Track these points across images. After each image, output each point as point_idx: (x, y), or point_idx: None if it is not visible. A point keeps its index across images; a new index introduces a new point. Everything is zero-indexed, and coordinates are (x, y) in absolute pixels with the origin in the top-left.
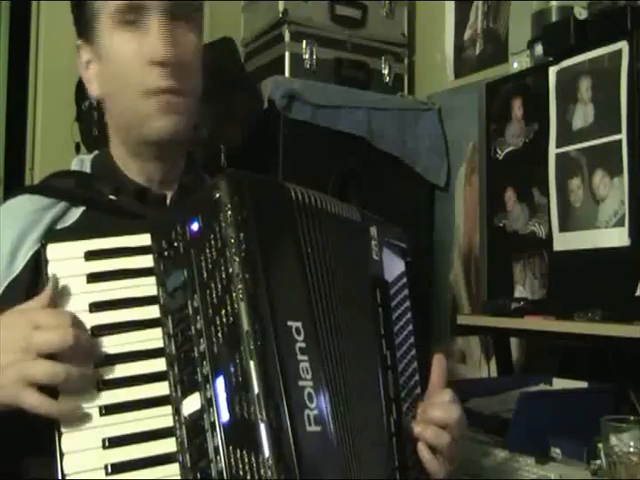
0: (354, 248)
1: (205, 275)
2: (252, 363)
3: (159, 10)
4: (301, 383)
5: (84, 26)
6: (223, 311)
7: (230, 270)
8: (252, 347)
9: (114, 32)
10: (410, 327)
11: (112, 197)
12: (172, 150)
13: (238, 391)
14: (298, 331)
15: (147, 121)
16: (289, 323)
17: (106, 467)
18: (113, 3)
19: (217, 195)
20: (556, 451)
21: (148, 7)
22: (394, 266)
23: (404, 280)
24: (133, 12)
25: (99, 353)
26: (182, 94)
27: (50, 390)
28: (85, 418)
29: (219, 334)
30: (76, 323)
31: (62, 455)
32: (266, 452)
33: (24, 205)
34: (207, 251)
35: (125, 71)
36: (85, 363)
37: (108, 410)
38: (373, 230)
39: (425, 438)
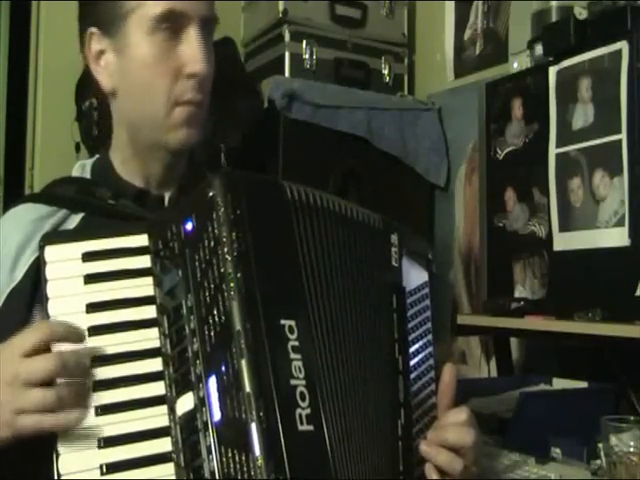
0: (368, 251)
1: (199, 274)
2: (243, 362)
3: (199, 20)
4: (293, 382)
5: (104, 16)
6: (215, 310)
7: (223, 269)
8: (243, 346)
9: (146, 36)
10: (429, 337)
11: (111, 202)
12: (182, 157)
13: (230, 390)
14: (291, 329)
15: (169, 130)
16: (282, 321)
17: (101, 467)
18: (152, 7)
19: (211, 193)
20: (556, 451)
21: (190, 16)
22: (415, 275)
23: (426, 290)
24: (173, 20)
25: (95, 371)
26: (203, 107)
27: None
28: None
29: (212, 333)
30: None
31: (57, 455)
32: (256, 451)
33: (25, 214)
34: (201, 250)
35: (153, 77)
36: (80, 381)
37: (104, 410)
38: (394, 237)
39: (437, 462)
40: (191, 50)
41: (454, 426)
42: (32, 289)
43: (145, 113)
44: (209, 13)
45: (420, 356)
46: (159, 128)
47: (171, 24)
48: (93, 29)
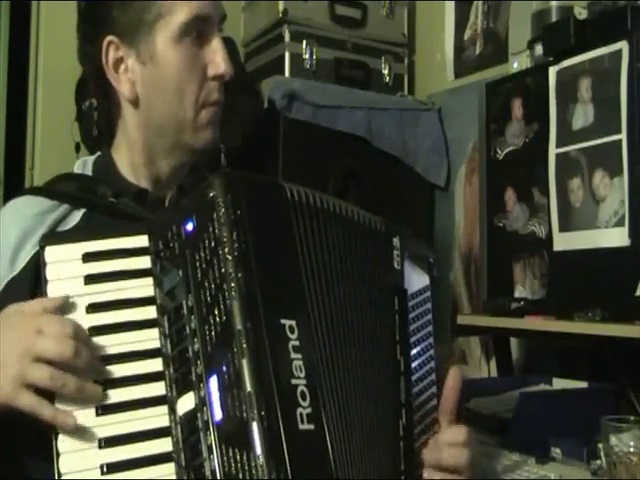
0: (369, 253)
1: (199, 274)
2: (244, 361)
3: (218, 21)
4: (294, 381)
5: (124, 26)
6: (216, 310)
7: (223, 269)
8: (244, 346)
9: (173, 43)
10: (430, 340)
11: (112, 200)
12: (197, 156)
13: (231, 390)
14: (292, 329)
15: (196, 132)
16: (282, 321)
17: (102, 467)
18: (178, 15)
19: (211, 194)
20: (556, 451)
21: (212, 19)
22: (417, 278)
23: (427, 294)
24: (198, 25)
25: (100, 368)
26: (221, 106)
27: (49, 398)
28: (81, 420)
29: (212, 333)
30: (80, 336)
31: (58, 455)
32: (257, 450)
33: (27, 206)
34: (202, 250)
35: (183, 83)
36: (84, 376)
37: (104, 410)
38: (396, 241)
39: None
40: (215, 53)
41: (450, 447)
42: (32, 281)
43: (173, 117)
44: (223, 12)
45: (421, 358)
46: (185, 130)
47: (196, 29)
48: (112, 37)
